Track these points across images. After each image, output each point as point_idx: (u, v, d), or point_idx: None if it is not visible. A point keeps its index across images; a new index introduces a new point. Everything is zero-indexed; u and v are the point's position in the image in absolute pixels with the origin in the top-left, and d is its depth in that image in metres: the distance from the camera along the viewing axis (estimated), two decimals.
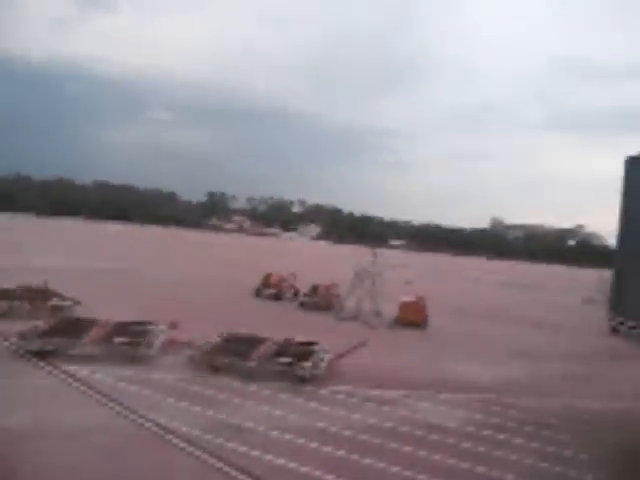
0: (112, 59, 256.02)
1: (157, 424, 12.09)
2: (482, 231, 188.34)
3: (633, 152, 34.37)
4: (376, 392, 16.09)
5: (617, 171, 35.59)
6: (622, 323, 33.47)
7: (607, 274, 43.14)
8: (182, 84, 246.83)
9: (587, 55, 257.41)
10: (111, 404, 13.04)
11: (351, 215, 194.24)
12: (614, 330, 33.81)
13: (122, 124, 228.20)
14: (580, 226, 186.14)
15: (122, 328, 18.41)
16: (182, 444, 11.28)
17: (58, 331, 17.63)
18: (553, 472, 11.80)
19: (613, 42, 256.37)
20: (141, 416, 12.42)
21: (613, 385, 20.65)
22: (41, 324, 18.08)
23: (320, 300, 31.96)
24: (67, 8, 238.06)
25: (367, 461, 11.32)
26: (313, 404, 14.59)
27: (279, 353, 17.52)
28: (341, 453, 11.58)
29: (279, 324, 24.69)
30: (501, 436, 13.63)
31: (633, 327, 32.22)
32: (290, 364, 16.74)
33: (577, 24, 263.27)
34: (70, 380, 14.46)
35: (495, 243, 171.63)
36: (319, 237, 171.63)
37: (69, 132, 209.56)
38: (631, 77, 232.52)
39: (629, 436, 14.82)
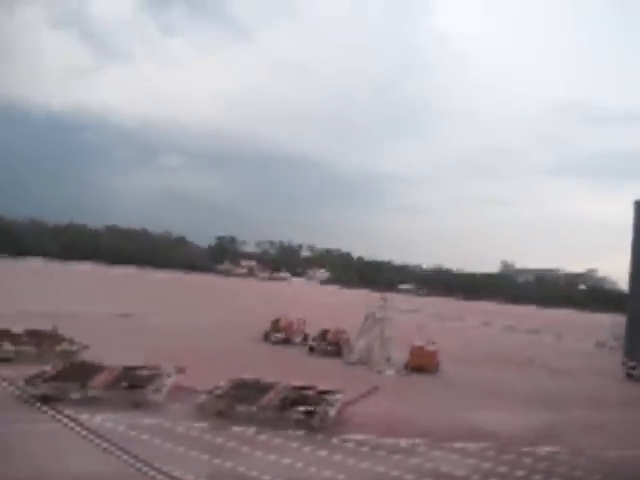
0: (127, 108, 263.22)
1: (162, 472, 11.79)
2: (492, 275, 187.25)
3: None
4: (387, 440, 15.68)
5: (627, 214, 35.58)
6: (635, 368, 32.83)
7: (620, 319, 42.55)
8: (195, 131, 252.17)
9: (588, 99, 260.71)
10: (116, 452, 12.78)
11: (360, 260, 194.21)
12: (629, 375, 33.09)
13: (135, 171, 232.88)
14: (592, 270, 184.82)
15: (129, 373, 18.23)
16: None
17: (65, 376, 17.45)
18: None
19: (611, 87, 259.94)
20: (146, 464, 12.14)
21: (632, 432, 20.00)
22: (48, 369, 17.93)
23: (329, 345, 31.63)
24: (85, 59, 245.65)
25: None
26: (322, 453, 14.21)
27: (288, 399, 17.21)
28: None
29: (288, 369, 24.35)
30: None
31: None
32: (300, 411, 16.41)
33: (579, 69, 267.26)
34: (75, 426, 14.23)
35: (506, 287, 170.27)
36: (328, 281, 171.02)
37: (83, 179, 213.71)
38: (633, 120, 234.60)
39: None
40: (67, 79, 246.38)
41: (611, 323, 53.19)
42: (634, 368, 32.91)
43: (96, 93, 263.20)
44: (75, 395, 16.50)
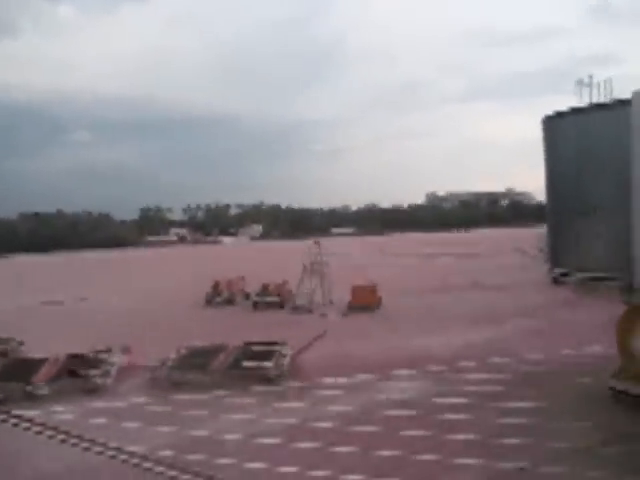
0: (24, 84, 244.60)
1: (128, 453, 11.74)
2: (419, 206, 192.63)
3: (549, 112, 35.91)
4: (341, 380, 16.23)
5: (538, 132, 37.10)
6: (561, 274, 35.06)
7: (541, 230, 45.07)
8: (102, 101, 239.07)
9: (491, 24, 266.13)
10: (74, 440, 12.55)
11: (290, 210, 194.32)
12: (555, 281, 35.32)
13: (45, 150, 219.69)
14: (510, 188, 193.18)
15: (73, 362, 17.78)
16: (157, 468, 11.01)
17: (5, 375, 16.86)
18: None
19: (515, 9, 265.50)
20: (108, 447, 12.02)
21: (566, 333, 21.51)
22: None
23: (272, 298, 31.92)
24: None
25: (339, 449, 11.41)
26: (279, 403, 14.58)
27: (239, 358, 17.40)
28: (314, 445, 11.63)
29: (235, 329, 24.51)
30: (458, 400, 13.94)
31: (565, 274, 33.93)
32: (252, 367, 16.66)
33: None
34: (25, 424, 13.80)
35: (432, 216, 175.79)
36: (262, 237, 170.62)
37: None
38: (538, 40, 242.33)
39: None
40: None
41: (534, 235, 56.12)
42: (561, 275, 35.10)
43: None
44: (19, 393, 15.98)
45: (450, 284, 38.21)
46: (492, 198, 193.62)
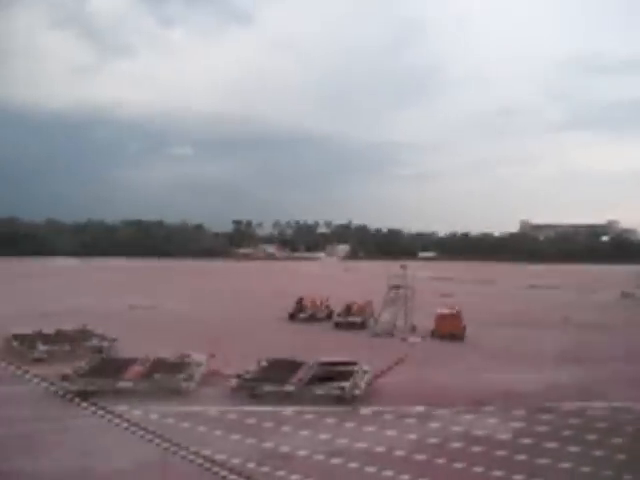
0: (133, 101, 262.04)
1: (204, 457, 12.06)
2: (512, 235, 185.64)
3: None
4: (419, 409, 15.83)
5: None
6: None
7: None
8: (203, 118, 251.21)
9: (599, 50, 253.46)
10: (157, 440, 13.08)
11: (378, 232, 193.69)
12: None
13: (147, 163, 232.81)
14: (613, 222, 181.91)
15: (161, 363, 18.60)
16: (232, 476, 11.24)
17: (99, 371, 17.90)
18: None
19: (624, 36, 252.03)
20: (188, 450, 12.41)
21: None
22: (81, 365, 18.37)
23: (354, 319, 31.81)
24: (87, 56, 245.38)
25: (405, 477, 11.16)
26: (355, 425, 14.41)
27: (317, 375, 17.44)
28: (387, 473, 11.39)
29: (315, 346, 24.59)
30: (546, 444, 13.19)
31: None
32: (330, 386, 16.62)
33: (585, 21, 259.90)
34: (114, 419, 14.58)
35: (526, 246, 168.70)
36: (347, 256, 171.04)
37: (97, 175, 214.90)
38: None
39: None
40: (72, 78, 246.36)
41: (636, 274, 52.50)
42: None
43: (102, 89, 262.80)
44: (110, 389, 16.87)
45: (541, 318, 36.43)
46: (592, 231, 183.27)
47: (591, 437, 13.74)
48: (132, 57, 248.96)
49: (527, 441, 13.43)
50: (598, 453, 12.70)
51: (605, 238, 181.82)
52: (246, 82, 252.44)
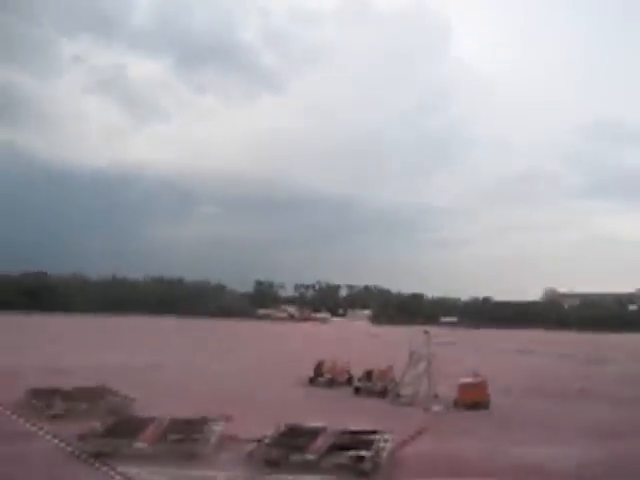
0: (164, 163, 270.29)
1: None
2: (536, 303, 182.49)
3: None
4: None
5: None
6: None
7: None
8: (229, 180, 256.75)
9: (619, 117, 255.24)
10: None
11: (400, 295, 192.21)
12: None
13: (173, 222, 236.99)
14: None
15: (177, 425, 18.30)
16: None
17: (115, 431, 17.65)
18: None
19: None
20: None
21: None
22: (98, 425, 18.15)
23: (375, 385, 31.14)
24: (124, 120, 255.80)
25: None
26: None
27: (338, 444, 16.93)
28: None
29: (335, 412, 24.03)
30: None
31: None
32: (350, 456, 16.10)
33: (606, 88, 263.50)
34: None
35: (551, 314, 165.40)
36: (370, 320, 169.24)
37: (124, 233, 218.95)
38: None
39: None
40: (108, 140, 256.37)
41: None
42: None
43: (135, 151, 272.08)
44: (125, 450, 16.58)
45: (570, 390, 35.17)
46: (619, 299, 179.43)
47: None
48: (166, 121, 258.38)
49: None
50: None
51: (633, 307, 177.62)
52: (274, 146, 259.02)
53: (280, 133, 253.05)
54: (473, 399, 27.51)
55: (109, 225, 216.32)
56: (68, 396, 23.24)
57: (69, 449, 16.78)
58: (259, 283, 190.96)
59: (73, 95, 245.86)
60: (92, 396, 23.60)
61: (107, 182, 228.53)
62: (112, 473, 15.00)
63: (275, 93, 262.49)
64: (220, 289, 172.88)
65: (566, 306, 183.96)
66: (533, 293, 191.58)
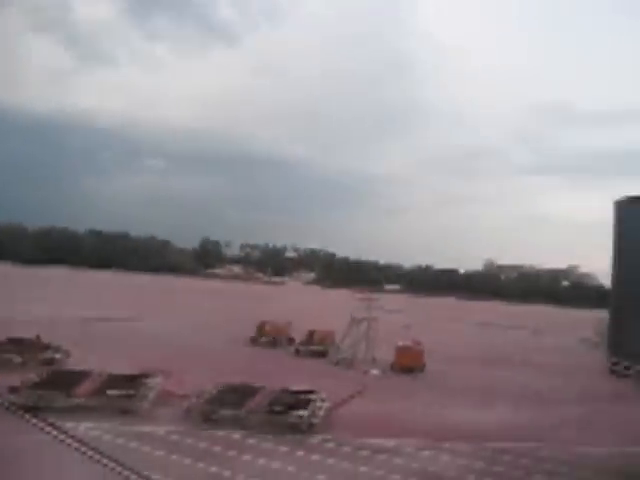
0: (110, 111, 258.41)
1: (143, 477, 11.71)
2: (476, 273, 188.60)
3: (622, 194, 34.98)
4: (373, 441, 15.76)
5: (607, 213, 36.06)
6: (618, 364, 33.30)
7: (603, 315, 43.16)
8: (178, 134, 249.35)
9: (571, 100, 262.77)
10: (105, 461, 12.66)
11: (345, 260, 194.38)
12: (612, 371, 33.52)
13: (118, 174, 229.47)
14: (573, 267, 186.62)
15: (115, 380, 18.07)
16: None
17: (49, 384, 17.25)
18: None
19: (596, 88, 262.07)
20: (135, 473, 12.04)
21: (613, 428, 20.22)
22: (32, 377, 17.72)
23: (316, 347, 31.66)
24: (69, 62, 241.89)
25: None
26: (309, 455, 14.24)
27: (275, 402, 17.22)
28: None
29: (275, 372, 24.37)
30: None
31: (628, 367, 32.17)
32: (286, 414, 16.43)
33: (561, 71, 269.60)
34: (62, 437, 14.06)
35: (488, 285, 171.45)
36: (313, 282, 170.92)
37: (66, 182, 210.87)
38: (615, 122, 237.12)
39: None
40: (50, 83, 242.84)
41: (594, 319, 53.66)
42: (617, 364, 33.46)
43: (80, 96, 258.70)
44: (60, 403, 16.31)
45: (499, 357, 36.86)
46: (553, 275, 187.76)
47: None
48: (114, 67, 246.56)
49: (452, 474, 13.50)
50: None
51: (565, 282, 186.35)
52: (226, 102, 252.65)
53: (232, 89, 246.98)
54: (409, 363, 28.44)
55: (49, 174, 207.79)
56: (1, 348, 22.51)
57: (2, 402, 16.34)
58: (205, 241, 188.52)
59: (15, 34, 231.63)
60: (26, 349, 22.94)
61: (49, 128, 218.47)
62: (44, 425, 14.75)
63: (229, 47, 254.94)
64: (165, 245, 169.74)
65: (503, 277, 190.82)
66: (473, 264, 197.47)
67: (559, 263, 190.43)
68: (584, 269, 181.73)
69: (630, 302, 33.60)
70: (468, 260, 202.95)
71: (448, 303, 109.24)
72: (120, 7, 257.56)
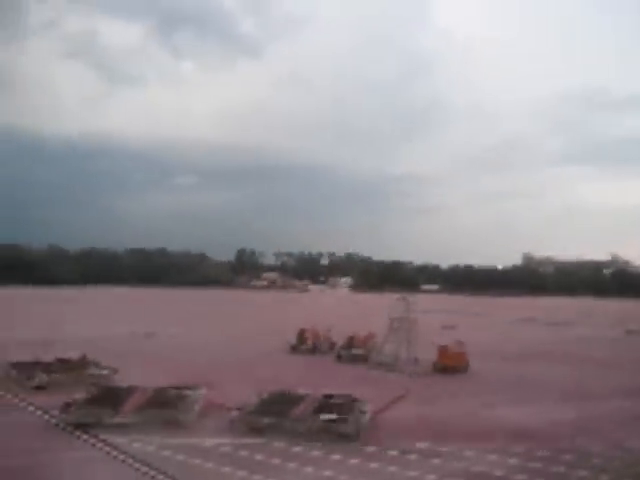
0: (141, 131, 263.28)
1: None
2: (515, 268, 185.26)
3: None
4: (421, 445, 15.57)
5: None
6: None
7: None
8: (206, 148, 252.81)
9: (602, 86, 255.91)
10: (153, 473, 12.86)
11: (381, 263, 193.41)
12: None
13: (152, 192, 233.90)
14: (615, 256, 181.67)
15: (160, 394, 18.38)
16: None
17: (98, 401, 17.65)
18: None
19: (625, 73, 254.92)
20: None
21: None
22: (81, 396, 18.15)
23: (356, 351, 31.55)
24: (98, 86, 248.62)
25: None
26: (359, 462, 14.17)
27: (320, 409, 17.20)
28: None
29: (317, 379, 24.36)
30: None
31: None
32: (332, 421, 16.38)
33: (590, 57, 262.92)
34: (112, 451, 14.36)
35: (528, 280, 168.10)
36: (351, 287, 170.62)
37: (102, 205, 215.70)
38: None
39: None
40: (82, 108, 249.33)
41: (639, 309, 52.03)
42: None
43: (111, 119, 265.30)
44: (109, 420, 16.65)
45: (542, 353, 36.05)
46: (595, 265, 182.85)
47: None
48: (142, 87, 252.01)
49: (520, 477, 13.23)
50: None
51: (607, 272, 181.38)
52: (252, 115, 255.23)
53: (257, 102, 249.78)
54: (451, 363, 28.07)
55: (86, 197, 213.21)
56: (50, 368, 23.14)
57: (53, 420, 16.80)
58: (240, 252, 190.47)
59: (46, 62, 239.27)
60: (74, 367, 23.53)
61: (82, 153, 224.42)
62: (95, 442, 15.08)
63: (252, 61, 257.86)
64: (201, 258, 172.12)
65: (542, 271, 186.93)
66: (513, 259, 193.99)
67: (599, 253, 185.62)
68: (625, 257, 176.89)
69: None
70: (507, 256, 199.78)
71: (486, 301, 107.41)
72: (146, 27, 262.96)
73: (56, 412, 16.95)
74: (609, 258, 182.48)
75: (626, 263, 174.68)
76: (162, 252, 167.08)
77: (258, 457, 14.26)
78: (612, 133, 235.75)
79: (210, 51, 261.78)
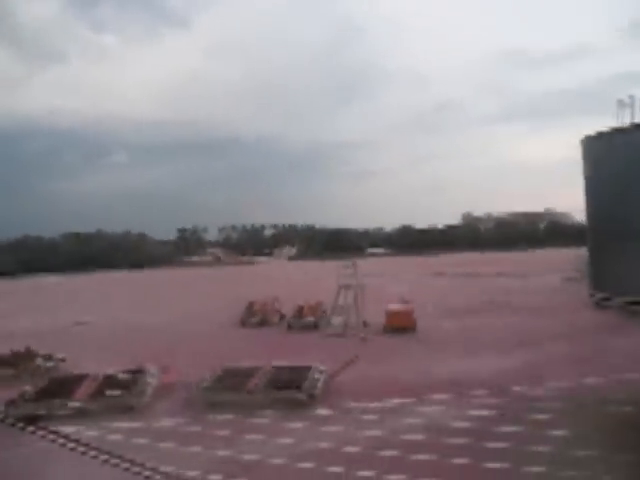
0: (67, 110, 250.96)
1: (161, 472, 11.79)
2: (455, 227, 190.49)
3: (588, 131, 35.39)
4: (376, 404, 16.04)
5: (573, 152, 36.44)
6: (599, 296, 34.30)
7: (582, 252, 43.99)
8: (139, 125, 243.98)
9: (523, 45, 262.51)
10: (111, 459, 12.69)
11: (324, 231, 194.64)
12: (597, 304, 34.36)
13: (84, 173, 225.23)
14: (549, 209, 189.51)
15: (112, 380, 18.10)
16: None
17: (47, 393, 17.25)
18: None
19: (544, 30, 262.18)
20: (143, 467, 12.09)
21: (607, 359, 20.85)
22: (28, 388, 17.66)
23: (306, 320, 31.89)
24: (16, 65, 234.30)
25: (366, 473, 11.33)
26: (314, 426, 14.48)
27: (273, 380, 17.42)
28: (338, 469, 11.51)
29: (269, 350, 24.55)
30: (495, 428, 13.67)
31: (606, 299, 33.16)
32: (285, 389, 16.64)
33: (507, 18, 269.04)
34: (64, 442, 14.03)
35: (468, 237, 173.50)
36: (296, 257, 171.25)
37: (33, 190, 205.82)
38: (568, 59, 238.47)
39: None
40: (1, 89, 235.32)
41: (574, 257, 54.61)
42: (592, 296, 34.86)
43: (34, 99, 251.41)
44: (60, 410, 16.30)
45: (486, 306, 37.50)
46: (530, 219, 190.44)
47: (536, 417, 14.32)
48: (64, 63, 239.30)
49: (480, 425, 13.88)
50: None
51: (543, 225, 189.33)
52: (182, 87, 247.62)
53: (187, 73, 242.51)
54: (400, 324, 28.84)
55: (14, 183, 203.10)
56: None
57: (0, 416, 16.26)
58: (183, 230, 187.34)
59: None
60: (17, 360, 22.78)
61: (6, 136, 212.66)
62: (45, 434, 14.67)
63: (179, 31, 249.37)
64: (141, 239, 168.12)
65: (482, 229, 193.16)
66: (452, 219, 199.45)
67: (535, 207, 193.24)
68: (560, 209, 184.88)
69: (605, 236, 34.31)
70: (447, 216, 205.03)
71: (428, 260, 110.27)
72: (62, 0, 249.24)
73: (1, 407, 16.40)
74: (543, 211, 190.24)
75: (563, 215, 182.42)
76: (99, 234, 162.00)
77: (207, 431, 14.38)
78: (537, 90, 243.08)
79: (134, 23, 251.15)
